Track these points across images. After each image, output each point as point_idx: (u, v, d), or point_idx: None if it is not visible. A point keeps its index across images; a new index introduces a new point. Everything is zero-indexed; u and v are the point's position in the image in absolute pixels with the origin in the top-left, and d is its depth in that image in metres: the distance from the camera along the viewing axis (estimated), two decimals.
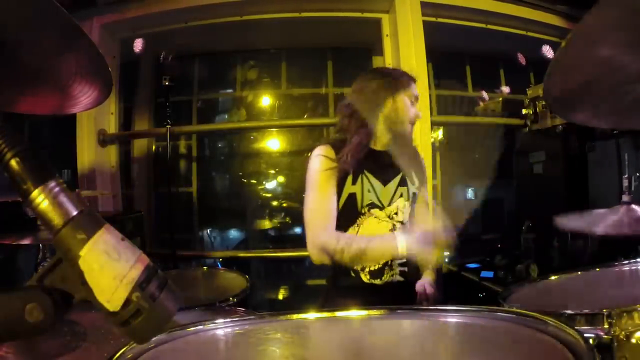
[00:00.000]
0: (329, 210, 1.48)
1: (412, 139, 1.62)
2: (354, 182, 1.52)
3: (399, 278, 1.52)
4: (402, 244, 1.36)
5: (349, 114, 1.55)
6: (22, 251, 2.45)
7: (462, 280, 2.40)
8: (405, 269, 1.54)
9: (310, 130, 3.45)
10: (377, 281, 1.51)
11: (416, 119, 1.55)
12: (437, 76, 3.41)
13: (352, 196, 1.52)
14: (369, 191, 1.52)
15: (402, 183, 1.56)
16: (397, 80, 1.56)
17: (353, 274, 1.51)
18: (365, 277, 1.51)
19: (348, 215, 1.53)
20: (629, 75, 0.70)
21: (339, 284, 1.56)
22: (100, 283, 0.42)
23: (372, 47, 3.26)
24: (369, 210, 1.52)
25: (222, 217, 3.61)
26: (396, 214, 1.54)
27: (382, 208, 1.53)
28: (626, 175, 1.37)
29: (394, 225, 1.53)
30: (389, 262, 1.51)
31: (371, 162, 1.54)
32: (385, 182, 1.54)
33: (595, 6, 0.57)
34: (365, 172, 1.53)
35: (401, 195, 1.55)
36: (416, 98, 1.57)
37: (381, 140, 1.57)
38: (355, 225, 1.53)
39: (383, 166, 1.54)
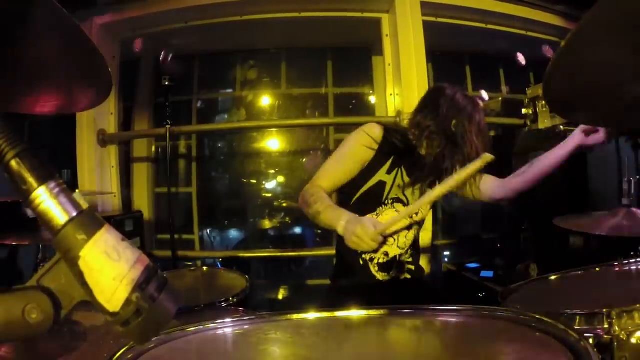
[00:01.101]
0: (338, 178, 1.47)
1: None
2: (388, 172, 1.50)
3: (406, 275, 1.54)
4: (342, 228, 1.29)
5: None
6: (22, 251, 2.46)
7: (462, 280, 2.40)
8: (413, 267, 1.55)
9: (310, 130, 3.45)
10: (385, 276, 1.51)
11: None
12: (437, 76, 3.41)
13: (380, 185, 1.50)
14: (399, 186, 1.51)
15: (431, 186, 1.53)
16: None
17: (362, 262, 1.51)
18: (374, 269, 1.51)
19: (371, 201, 1.50)
20: (629, 75, 0.70)
21: (346, 280, 1.56)
22: (100, 283, 0.42)
23: (372, 47, 3.26)
24: (392, 204, 1.51)
25: (222, 217, 3.61)
26: (416, 213, 1.52)
27: (406, 205, 1.52)
28: (626, 179, 1.37)
29: (411, 224, 1.53)
30: (397, 257, 1.52)
31: (411, 161, 1.52)
32: (415, 182, 1.53)
33: (595, 6, 0.57)
34: (403, 167, 1.51)
35: None
36: None
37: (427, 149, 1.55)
38: (375, 214, 1.50)
39: (420, 167, 1.51)
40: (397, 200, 1.52)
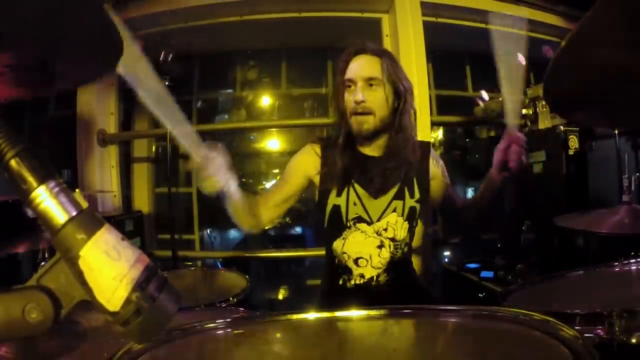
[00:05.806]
0: (271, 189, 1.55)
1: (404, 143, 1.41)
2: (338, 194, 1.41)
3: (386, 288, 1.44)
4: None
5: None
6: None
7: (462, 280, 2.40)
8: (392, 277, 1.44)
9: (310, 130, 3.45)
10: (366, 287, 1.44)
11: (355, 106, 1.37)
12: (437, 76, 3.40)
13: (336, 208, 1.42)
14: (354, 204, 1.41)
15: (398, 196, 1.42)
16: (338, 67, 1.47)
17: (341, 282, 1.46)
18: (351, 285, 1.45)
19: (334, 227, 1.44)
20: (628, 75, 0.70)
21: (330, 288, 1.51)
22: (100, 283, 0.42)
23: None
24: (354, 225, 1.42)
25: (222, 217, 3.60)
26: (385, 229, 1.41)
27: (370, 223, 1.41)
28: (626, 175, 1.37)
29: (381, 242, 1.41)
30: (375, 278, 1.43)
31: (361, 171, 1.43)
32: (376, 195, 1.41)
33: (595, 6, 0.57)
34: (354, 182, 1.42)
35: (394, 211, 1.42)
36: (350, 81, 1.40)
37: (375, 143, 1.45)
38: (342, 238, 1.44)
39: (375, 176, 1.41)
40: (359, 219, 1.42)
